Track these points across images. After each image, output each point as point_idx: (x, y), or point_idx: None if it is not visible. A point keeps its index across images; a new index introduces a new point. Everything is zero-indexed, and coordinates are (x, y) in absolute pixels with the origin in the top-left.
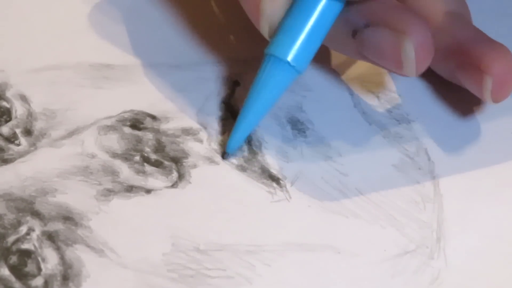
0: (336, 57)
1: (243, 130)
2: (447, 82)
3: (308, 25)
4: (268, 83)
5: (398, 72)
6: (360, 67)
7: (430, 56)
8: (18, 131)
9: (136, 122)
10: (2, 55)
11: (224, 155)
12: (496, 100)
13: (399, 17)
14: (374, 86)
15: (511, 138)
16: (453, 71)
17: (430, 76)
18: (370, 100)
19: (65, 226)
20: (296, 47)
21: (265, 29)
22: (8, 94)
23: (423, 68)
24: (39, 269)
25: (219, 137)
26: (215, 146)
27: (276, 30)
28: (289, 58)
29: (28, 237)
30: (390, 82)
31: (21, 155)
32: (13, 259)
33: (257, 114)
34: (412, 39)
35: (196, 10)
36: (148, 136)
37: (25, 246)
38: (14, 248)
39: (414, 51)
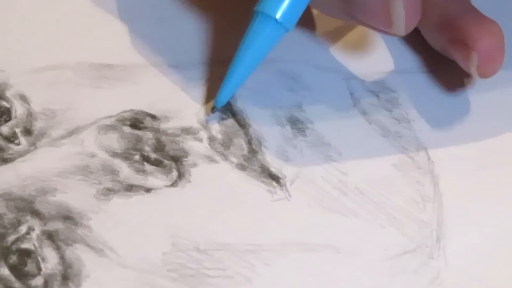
0: (323, 22)
1: (231, 84)
2: (447, 82)
3: None
4: (256, 39)
5: (387, 31)
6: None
7: (418, 15)
8: (18, 130)
9: (136, 121)
10: (2, 55)
11: (213, 109)
12: (482, 75)
13: None
14: (357, 47)
15: (511, 138)
16: (445, 45)
17: (430, 76)
18: (370, 100)
19: (65, 226)
20: (284, 5)
21: (400, 29)
22: (8, 94)
23: (411, 27)
24: (39, 269)
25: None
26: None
27: None
28: (277, 15)
29: (28, 236)
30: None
31: (21, 154)
32: (13, 258)
33: (245, 69)
34: None
35: (196, 10)
36: (148, 135)
37: (25, 245)
38: (14, 247)
39: (404, 9)
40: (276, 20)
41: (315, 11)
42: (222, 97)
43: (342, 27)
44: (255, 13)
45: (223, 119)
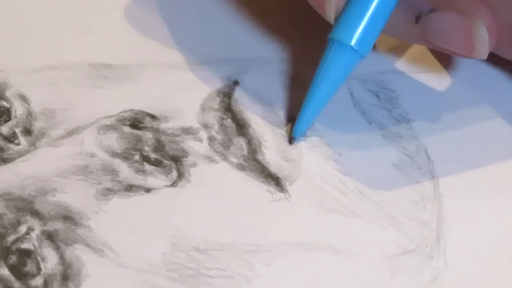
0: (384, 43)
1: (309, 114)
2: (447, 82)
3: (370, 10)
4: (332, 67)
5: (467, 55)
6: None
7: (497, 36)
8: (17, 130)
9: (136, 121)
10: (2, 55)
11: (291, 140)
12: None
13: (463, 1)
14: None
15: (511, 138)
16: None
17: (430, 76)
18: (370, 100)
19: (64, 226)
20: (358, 31)
21: (331, 15)
22: (8, 94)
23: (491, 49)
24: (39, 269)
25: (284, 124)
26: (283, 132)
27: (339, 16)
28: (353, 42)
29: (27, 236)
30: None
31: (21, 154)
32: (13, 258)
33: (322, 98)
34: (483, 21)
35: (196, 10)
36: (148, 135)
37: (25, 245)
38: (13, 247)
39: (488, 32)
40: (352, 47)
41: None
42: (300, 128)
43: None
44: (330, 41)
45: (223, 119)
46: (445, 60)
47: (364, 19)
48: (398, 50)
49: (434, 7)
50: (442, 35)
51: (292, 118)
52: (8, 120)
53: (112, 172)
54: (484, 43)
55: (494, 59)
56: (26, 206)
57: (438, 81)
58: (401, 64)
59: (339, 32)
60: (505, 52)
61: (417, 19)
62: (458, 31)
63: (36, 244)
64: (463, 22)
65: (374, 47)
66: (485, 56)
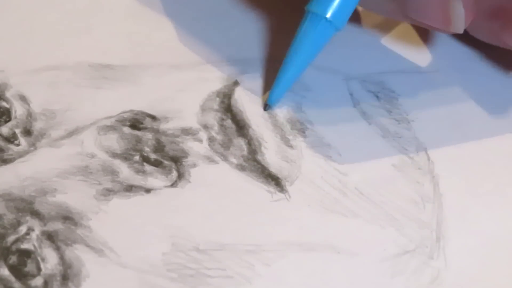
0: (369, 19)
1: (283, 83)
2: (447, 82)
3: None
4: (307, 38)
5: (444, 29)
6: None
7: (474, 10)
8: (17, 131)
9: (136, 122)
10: (2, 55)
11: (266, 106)
12: None
13: None
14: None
15: (511, 138)
16: (497, 33)
17: (430, 76)
18: (370, 100)
19: (64, 226)
20: (334, 4)
21: (460, 26)
22: (8, 94)
23: (468, 23)
24: (39, 269)
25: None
26: (259, 100)
27: None
28: (328, 14)
29: (27, 237)
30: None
31: (21, 155)
32: (13, 259)
33: (296, 68)
34: None
35: (196, 10)
36: (148, 136)
37: (25, 246)
38: (13, 248)
39: (463, 6)
40: (326, 19)
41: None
42: (274, 96)
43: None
44: (306, 12)
45: (223, 119)
46: (445, 60)
47: None
48: (383, 27)
49: None
50: (420, 10)
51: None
52: (8, 121)
53: (112, 172)
54: (460, 18)
55: (491, 54)
56: (26, 207)
57: (438, 81)
58: (401, 64)
59: (315, 3)
60: (484, 35)
61: None
62: (435, 6)
63: (36, 245)
64: None
65: (359, 23)
66: (461, 31)
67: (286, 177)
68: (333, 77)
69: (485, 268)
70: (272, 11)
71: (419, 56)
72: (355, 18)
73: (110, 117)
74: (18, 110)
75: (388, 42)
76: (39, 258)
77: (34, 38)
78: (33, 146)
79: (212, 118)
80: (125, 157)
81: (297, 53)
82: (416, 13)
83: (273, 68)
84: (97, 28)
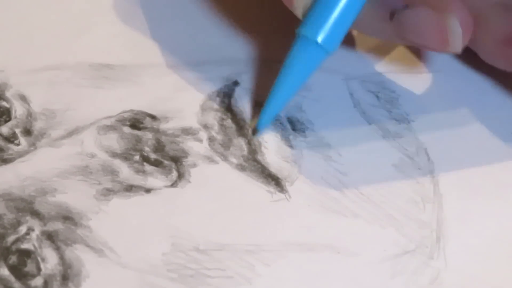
0: (364, 42)
1: (273, 108)
2: (447, 82)
3: (338, 6)
4: (297, 62)
5: (441, 50)
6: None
7: (471, 29)
8: (17, 131)
9: (136, 122)
10: (2, 55)
11: (255, 131)
12: None
13: None
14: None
15: (511, 138)
16: None
17: (430, 76)
18: (370, 100)
19: (64, 226)
20: (326, 27)
21: (299, 9)
22: (8, 94)
23: (465, 44)
24: (39, 269)
25: (250, 117)
26: (247, 125)
27: (308, 11)
28: (319, 38)
29: (27, 237)
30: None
31: (21, 155)
32: (13, 259)
33: (287, 93)
34: (456, 15)
35: (196, 10)
36: (148, 135)
37: (25, 246)
38: (13, 248)
39: (461, 26)
40: (317, 43)
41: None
42: (264, 121)
43: None
44: (296, 36)
45: (223, 119)
46: (445, 60)
47: (332, 15)
48: (378, 51)
49: (408, 3)
50: (417, 31)
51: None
52: (8, 121)
53: (112, 172)
54: (458, 38)
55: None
56: (26, 207)
57: (438, 81)
58: (401, 64)
59: (306, 27)
60: (500, 63)
61: (391, 16)
62: (432, 26)
63: (36, 244)
64: (436, 17)
65: (354, 47)
66: (459, 50)
67: (286, 177)
68: (333, 77)
69: (485, 268)
70: (272, 11)
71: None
72: (349, 41)
73: (110, 117)
74: (18, 110)
75: (384, 67)
76: (39, 258)
77: (34, 38)
78: (33, 146)
79: (212, 118)
80: (125, 157)
81: (287, 78)
82: (413, 35)
83: (273, 68)
84: (97, 28)
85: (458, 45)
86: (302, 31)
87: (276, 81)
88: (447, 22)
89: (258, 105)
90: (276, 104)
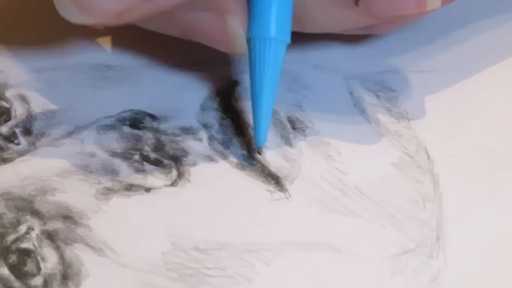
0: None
1: (263, 120)
2: (447, 82)
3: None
4: (265, 63)
5: (420, 12)
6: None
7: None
8: (17, 130)
9: (136, 121)
10: (2, 55)
11: (259, 150)
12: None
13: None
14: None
15: (511, 138)
16: None
17: (430, 76)
18: (370, 99)
19: (64, 225)
20: (273, 22)
21: (242, 47)
22: (8, 94)
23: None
24: (39, 268)
25: (243, 141)
26: (244, 151)
27: (249, 18)
28: (272, 33)
29: (27, 236)
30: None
31: (21, 154)
32: (13, 258)
33: (268, 99)
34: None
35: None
36: (148, 135)
37: (25, 245)
38: (13, 247)
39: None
40: (273, 38)
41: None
42: (261, 136)
43: None
44: (252, 40)
45: (223, 119)
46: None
47: (273, 12)
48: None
49: None
50: (389, 2)
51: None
52: (8, 120)
53: (112, 171)
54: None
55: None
56: (26, 206)
57: (438, 81)
58: (401, 64)
59: (255, 29)
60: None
61: (357, 1)
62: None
63: (36, 244)
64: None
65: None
66: (438, 4)
67: (286, 176)
68: (333, 76)
69: (485, 268)
70: None
71: (419, 55)
72: (349, 39)
73: (110, 116)
74: (18, 109)
75: (384, 65)
76: (39, 258)
77: (34, 38)
78: (33, 145)
79: (212, 117)
80: (125, 156)
81: (264, 84)
82: (385, 8)
83: None
84: (97, 28)
85: (436, 2)
86: (255, 34)
87: (253, 92)
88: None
89: (225, 118)
90: (264, 115)
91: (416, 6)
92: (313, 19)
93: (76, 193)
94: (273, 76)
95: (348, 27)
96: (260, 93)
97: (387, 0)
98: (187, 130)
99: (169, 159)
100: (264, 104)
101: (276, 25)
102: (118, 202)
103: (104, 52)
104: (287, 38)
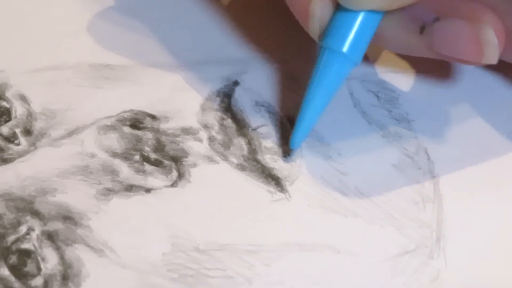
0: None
1: (305, 125)
2: (447, 82)
3: (359, 17)
4: (326, 75)
5: (476, 62)
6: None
7: (504, 40)
8: (18, 131)
9: (136, 121)
10: (2, 55)
11: (290, 152)
12: None
13: (468, 7)
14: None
15: (511, 138)
16: None
17: (430, 76)
18: (370, 100)
19: (64, 226)
20: (350, 38)
21: (315, 31)
22: (8, 94)
23: (499, 54)
24: (39, 269)
25: (278, 138)
26: (275, 147)
27: (328, 25)
28: (345, 49)
29: (27, 236)
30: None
31: (21, 154)
32: (13, 258)
33: (317, 108)
34: (490, 25)
35: (197, 10)
36: (148, 135)
37: (25, 245)
38: (14, 247)
39: (496, 36)
40: (344, 54)
41: None
42: (297, 139)
43: None
44: (322, 49)
45: (223, 119)
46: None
47: (355, 26)
48: (378, 51)
49: (438, 15)
50: (449, 43)
51: (290, 121)
52: (8, 121)
53: (112, 172)
54: (493, 48)
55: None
56: (26, 206)
57: (438, 81)
58: (401, 64)
59: (330, 39)
60: (508, 56)
61: (422, 29)
62: (465, 38)
63: (36, 244)
64: (470, 28)
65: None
66: (495, 61)
67: (286, 177)
68: None
69: (485, 268)
70: (272, 12)
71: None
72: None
73: (110, 116)
74: (18, 110)
75: (385, 66)
76: (39, 258)
77: (34, 38)
78: (33, 145)
79: (212, 118)
80: (125, 156)
81: (317, 93)
82: (445, 48)
83: (273, 68)
84: (97, 28)
85: (493, 56)
86: (327, 43)
87: (305, 97)
88: (481, 33)
89: (225, 118)
90: (308, 122)
91: (473, 56)
92: (381, 38)
93: (76, 194)
94: (330, 90)
95: (411, 53)
96: (312, 101)
97: (450, 39)
98: (187, 131)
99: (170, 159)
100: (311, 111)
101: (352, 42)
102: (119, 203)
103: (104, 52)
104: (358, 60)
